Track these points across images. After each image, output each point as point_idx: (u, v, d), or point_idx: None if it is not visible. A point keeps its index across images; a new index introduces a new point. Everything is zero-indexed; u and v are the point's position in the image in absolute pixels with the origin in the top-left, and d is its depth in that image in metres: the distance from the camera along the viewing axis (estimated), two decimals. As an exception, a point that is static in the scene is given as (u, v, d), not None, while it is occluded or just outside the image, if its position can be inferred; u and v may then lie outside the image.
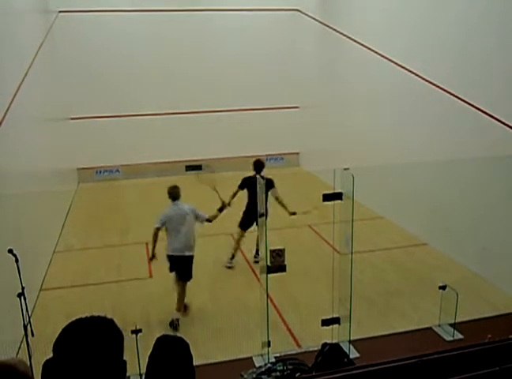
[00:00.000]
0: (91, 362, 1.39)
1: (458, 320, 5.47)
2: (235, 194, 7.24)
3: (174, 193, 5.98)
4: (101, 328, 1.46)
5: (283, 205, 7.29)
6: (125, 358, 1.50)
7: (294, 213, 7.32)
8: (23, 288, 4.57)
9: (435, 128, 7.87)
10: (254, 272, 7.09)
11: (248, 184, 7.21)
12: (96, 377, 1.40)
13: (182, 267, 5.97)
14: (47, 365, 1.44)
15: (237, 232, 7.61)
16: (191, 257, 6.02)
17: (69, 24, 11.87)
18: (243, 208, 7.49)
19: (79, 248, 8.51)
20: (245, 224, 7.49)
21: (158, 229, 5.87)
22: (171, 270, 6.04)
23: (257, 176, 6.99)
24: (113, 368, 1.45)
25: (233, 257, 7.54)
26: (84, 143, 12.48)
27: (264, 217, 5.47)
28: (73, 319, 1.47)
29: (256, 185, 6.11)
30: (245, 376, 4.60)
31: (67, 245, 8.58)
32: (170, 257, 5.97)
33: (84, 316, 1.48)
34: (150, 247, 5.99)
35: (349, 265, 5.60)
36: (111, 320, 1.50)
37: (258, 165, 7.31)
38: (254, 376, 4.56)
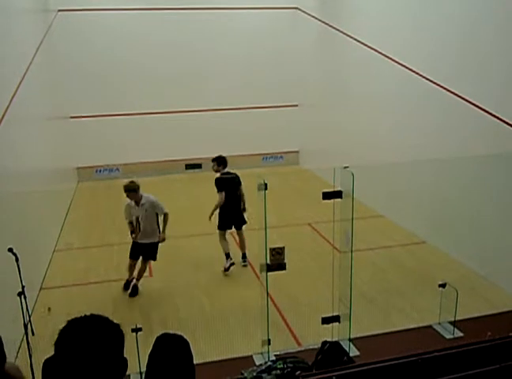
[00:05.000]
0: (91, 360, 1.39)
1: (458, 318, 5.47)
2: None
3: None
4: (101, 326, 1.47)
5: None
6: (125, 356, 1.51)
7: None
8: (23, 287, 4.58)
9: (436, 126, 7.86)
10: (254, 270, 7.09)
11: None
12: (96, 375, 1.40)
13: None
14: (47, 364, 1.44)
15: None
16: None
17: (68, 22, 11.86)
18: None
19: (79, 247, 8.51)
20: None
21: None
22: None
23: None
24: (113, 365, 1.45)
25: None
26: (83, 142, 12.46)
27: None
28: (73, 317, 1.47)
29: None
30: (245, 374, 4.60)
31: (67, 244, 8.57)
32: None
33: (83, 314, 1.48)
34: None
35: (349, 263, 5.60)
36: (110, 320, 1.51)
37: None
38: (255, 374, 4.56)
